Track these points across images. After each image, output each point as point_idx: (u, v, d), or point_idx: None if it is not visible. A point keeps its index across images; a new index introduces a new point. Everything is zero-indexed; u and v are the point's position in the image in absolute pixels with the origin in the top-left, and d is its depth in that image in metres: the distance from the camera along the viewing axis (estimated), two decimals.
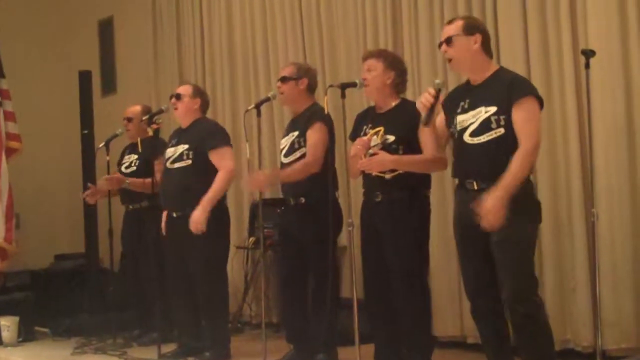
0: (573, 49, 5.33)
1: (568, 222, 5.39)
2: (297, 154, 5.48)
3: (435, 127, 4.52)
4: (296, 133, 5.51)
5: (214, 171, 5.91)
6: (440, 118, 4.58)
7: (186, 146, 5.98)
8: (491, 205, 4.10)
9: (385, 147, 4.82)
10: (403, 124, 4.79)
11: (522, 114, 4.22)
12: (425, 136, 4.62)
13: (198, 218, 5.75)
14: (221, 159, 5.91)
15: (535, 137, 4.23)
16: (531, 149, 4.21)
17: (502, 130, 4.23)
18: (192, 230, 5.76)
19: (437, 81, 4.44)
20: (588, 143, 4.92)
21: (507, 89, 4.26)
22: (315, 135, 5.39)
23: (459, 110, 4.41)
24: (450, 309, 5.96)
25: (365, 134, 4.94)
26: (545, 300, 4.48)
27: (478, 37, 4.38)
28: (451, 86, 5.66)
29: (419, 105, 4.45)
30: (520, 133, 4.20)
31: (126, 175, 6.93)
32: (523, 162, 4.19)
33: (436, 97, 4.37)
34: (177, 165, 5.99)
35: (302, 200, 5.46)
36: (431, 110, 4.37)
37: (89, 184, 7.18)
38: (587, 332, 5.22)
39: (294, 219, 5.52)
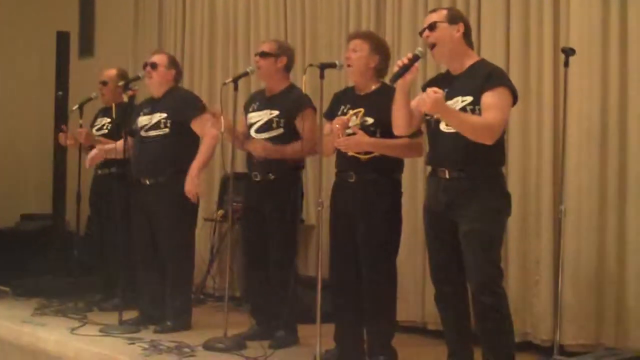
0: (553, 47, 5.36)
1: (536, 217, 5.43)
2: (273, 133, 5.50)
3: (409, 104, 4.47)
4: (276, 112, 5.52)
5: (189, 139, 5.96)
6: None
7: (164, 115, 5.96)
8: (434, 99, 4.11)
9: (364, 128, 4.83)
10: (383, 108, 4.76)
11: (491, 99, 4.22)
12: (397, 111, 4.51)
13: (191, 187, 5.85)
14: (204, 126, 5.91)
15: (499, 121, 4.21)
16: (491, 124, 4.18)
17: None
18: (189, 197, 5.85)
19: (419, 49, 4.41)
20: (561, 140, 4.96)
21: (483, 80, 4.28)
22: (309, 123, 5.42)
23: None
24: (413, 294, 6.01)
25: (344, 114, 4.95)
26: (507, 292, 4.52)
27: (460, 26, 4.41)
28: (430, 75, 5.73)
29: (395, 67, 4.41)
30: (485, 112, 4.20)
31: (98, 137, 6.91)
32: (476, 124, 4.19)
33: (411, 60, 4.31)
34: (152, 133, 5.98)
35: (272, 176, 5.50)
36: (403, 69, 4.31)
37: (63, 126, 7.08)
38: (547, 327, 5.28)
39: (258, 195, 5.56)
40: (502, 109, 4.24)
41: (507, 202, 4.43)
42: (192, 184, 5.84)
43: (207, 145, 5.91)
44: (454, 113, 4.22)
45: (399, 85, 4.39)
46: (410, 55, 4.35)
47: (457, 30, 4.40)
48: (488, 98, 4.23)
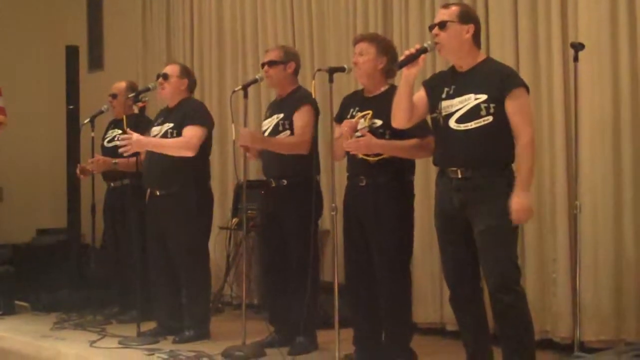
0: (562, 42, 5.34)
1: (551, 214, 5.41)
2: (281, 135, 5.50)
3: (411, 96, 4.46)
4: (282, 115, 5.53)
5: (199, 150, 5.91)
6: (420, 94, 4.54)
7: (171, 125, 5.95)
8: (519, 207, 4.19)
9: (372, 130, 4.83)
10: (391, 110, 4.77)
11: (515, 105, 4.24)
12: (398, 102, 4.50)
13: (132, 139, 5.80)
14: (191, 133, 5.87)
15: (531, 127, 4.28)
16: (530, 140, 4.25)
17: (490, 119, 4.23)
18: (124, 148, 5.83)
19: (428, 42, 4.40)
20: (574, 136, 4.94)
21: (498, 79, 4.27)
22: (304, 117, 5.42)
23: (443, 96, 4.39)
24: (431, 296, 5.99)
25: (352, 117, 4.95)
26: (525, 291, 4.49)
27: (471, 27, 4.36)
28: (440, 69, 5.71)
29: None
30: (517, 124, 4.24)
31: (108, 149, 6.95)
32: (528, 154, 4.24)
33: (418, 51, 4.30)
34: None
35: (284, 182, 5.48)
36: (408, 58, 4.30)
37: (78, 165, 7.15)
38: (566, 324, 5.26)
39: (275, 201, 5.54)
40: (527, 112, 4.31)
41: None
42: (135, 140, 5.80)
43: (176, 140, 5.85)
44: (523, 179, 4.26)
45: (404, 76, 4.38)
46: (418, 46, 4.34)
47: (467, 32, 4.36)
48: (511, 106, 4.24)
